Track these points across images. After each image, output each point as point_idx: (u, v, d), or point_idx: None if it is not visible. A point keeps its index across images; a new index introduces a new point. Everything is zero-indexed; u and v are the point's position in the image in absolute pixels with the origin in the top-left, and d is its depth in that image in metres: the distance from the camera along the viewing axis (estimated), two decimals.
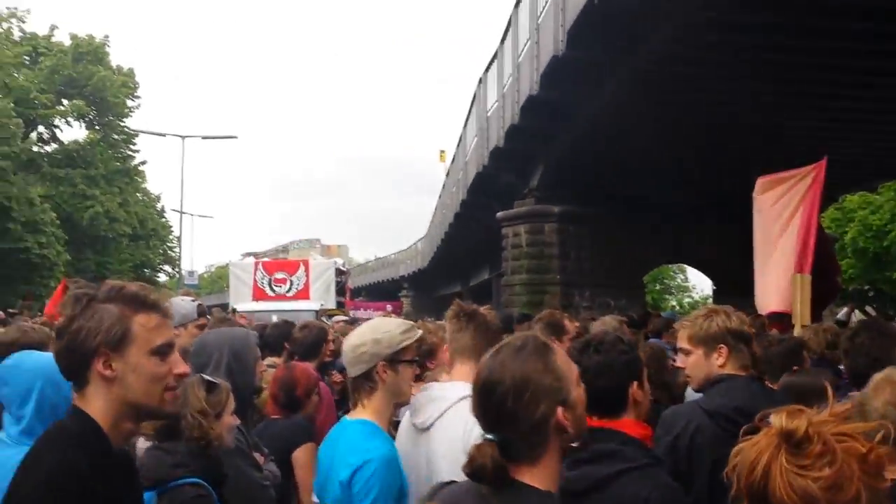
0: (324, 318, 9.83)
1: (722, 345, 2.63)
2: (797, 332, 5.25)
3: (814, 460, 1.14)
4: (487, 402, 1.54)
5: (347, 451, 2.30)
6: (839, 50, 10.31)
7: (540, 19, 13.44)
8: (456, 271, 38.73)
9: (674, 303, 50.76)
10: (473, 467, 1.52)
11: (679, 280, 52.50)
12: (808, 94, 12.12)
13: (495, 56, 18.17)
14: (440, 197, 32.90)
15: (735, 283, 13.55)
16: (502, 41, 17.32)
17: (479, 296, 32.21)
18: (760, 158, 10.85)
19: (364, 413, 2.39)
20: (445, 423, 2.42)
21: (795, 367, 3.48)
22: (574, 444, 1.63)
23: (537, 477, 1.52)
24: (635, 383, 2.16)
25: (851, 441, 1.16)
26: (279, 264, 17.42)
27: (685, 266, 39.35)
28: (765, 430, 1.20)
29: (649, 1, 9.70)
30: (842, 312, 13.28)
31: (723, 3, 9.40)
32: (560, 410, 1.51)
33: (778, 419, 1.19)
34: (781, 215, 6.31)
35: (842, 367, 3.56)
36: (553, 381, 1.52)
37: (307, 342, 4.85)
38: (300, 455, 3.56)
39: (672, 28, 10.02)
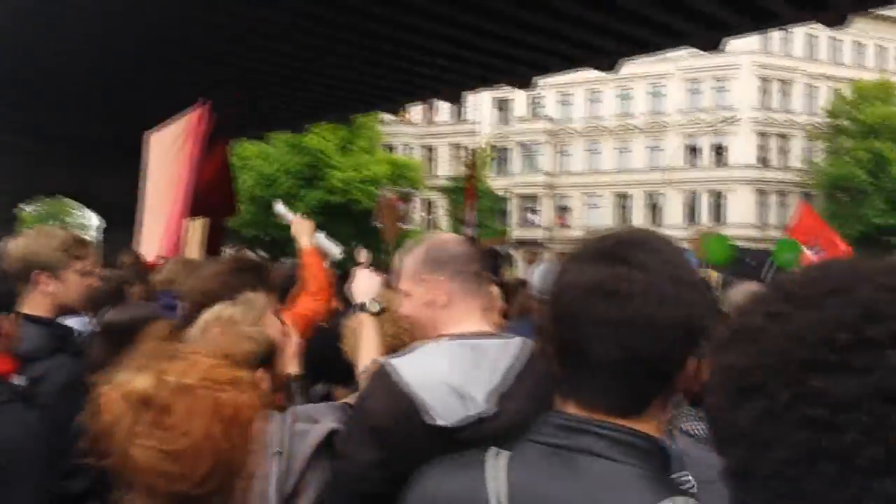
0: None
1: None
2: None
3: (165, 429, 1.01)
4: None
5: None
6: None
7: None
8: None
9: None
10: None
11: (77, 216, 49.60)
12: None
13: None
14: None
15: (127, 219, 13.21)
16: None
17: None
18: (157, 97, 10.53)
19: None
20: None
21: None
22: None
23: None
24: None
25: (215, 389, 1.04)
26: None
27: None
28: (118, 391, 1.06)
29: None
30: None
31: None
32: None
33: (127, 378, 1.04)
34: (165, 160, 6.40)
35: None
36: None
37: None
38: None
39: None
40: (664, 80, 41.95)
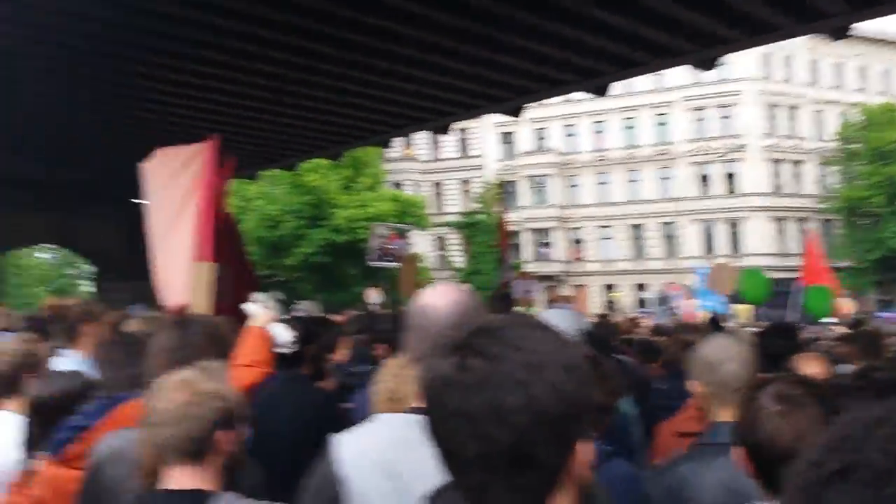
0: None
1: None
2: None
3: None
4: None
5: None
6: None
7: None
8: None
9: None
10: None
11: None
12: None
13: None
14: None
15: (121, 268, 12.79)
16: None
17: None
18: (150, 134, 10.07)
19: None
20: None
21: None
22: None
23: None
24: None
25: None
26: None
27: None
28: None
29: None
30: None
31: None
32: None
33: None
34: (177, 198, 5.54)
35: None
36: None
37: None
38: None
39: None
40: (668, 108, 41.66)
